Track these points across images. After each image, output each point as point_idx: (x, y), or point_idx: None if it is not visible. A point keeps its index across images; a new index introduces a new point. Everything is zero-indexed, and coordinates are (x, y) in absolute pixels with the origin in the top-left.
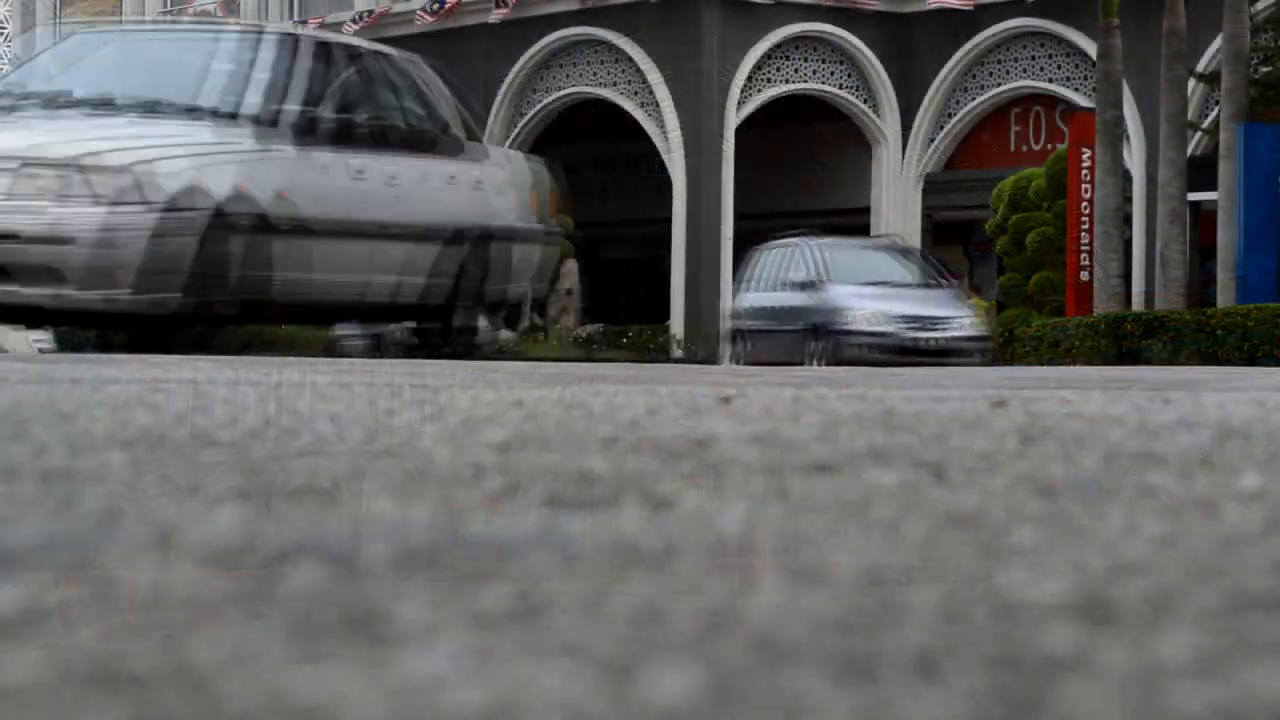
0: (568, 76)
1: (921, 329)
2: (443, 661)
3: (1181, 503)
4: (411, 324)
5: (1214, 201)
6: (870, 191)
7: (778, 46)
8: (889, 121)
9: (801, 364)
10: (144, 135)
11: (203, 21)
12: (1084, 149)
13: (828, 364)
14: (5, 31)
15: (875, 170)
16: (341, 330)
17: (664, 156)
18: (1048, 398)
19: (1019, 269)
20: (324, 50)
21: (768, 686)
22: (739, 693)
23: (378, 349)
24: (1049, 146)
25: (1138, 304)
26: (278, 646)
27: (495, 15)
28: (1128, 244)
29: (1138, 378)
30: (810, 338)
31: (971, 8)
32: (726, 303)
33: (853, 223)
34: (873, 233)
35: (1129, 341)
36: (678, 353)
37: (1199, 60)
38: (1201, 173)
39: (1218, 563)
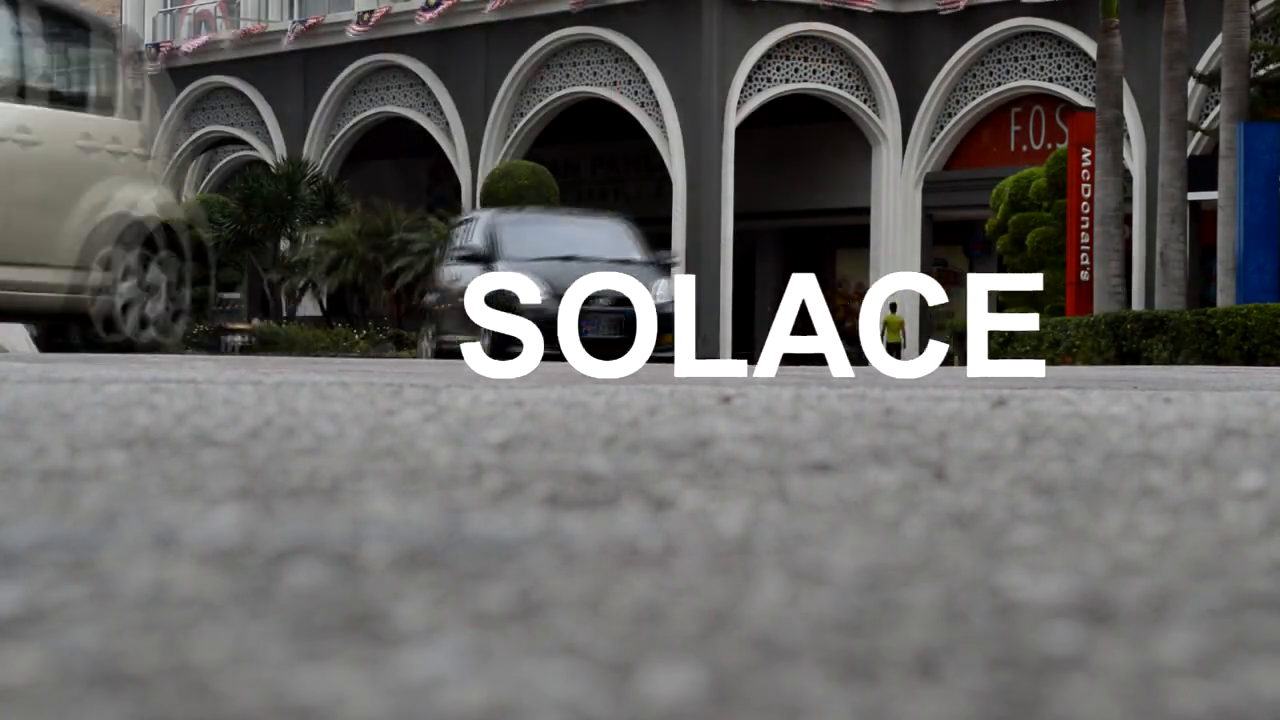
0: (568, 76)
1: None
2: (443, 661)
3: (1181, 503)
4: None
5: (1214, 201)
6: (870, 191)
7: (778, 46)
8: (889, 121)
9: None
10: None
11: None
12: (1084, 149)
13: None
14: None
15: (875, 170)
16: None
17: (664, 156)
18: (1047, 397)
19: (1019, 269)
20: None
21: (768, 686)
22: (739, 693)
23: None
24: (1049, 146)
25: (1138, 304)
26: (278, 646)
27: (490, 10)
28: (1128, 244)
29: (1138, 378)
30: None
31: (961, 6)
32: (726, 306)
33: (853, 222)
34: (872, 232)
35: (1129, 341)
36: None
37: (1199, 60)
38: (1201, 173)
39: (1218, 563)
